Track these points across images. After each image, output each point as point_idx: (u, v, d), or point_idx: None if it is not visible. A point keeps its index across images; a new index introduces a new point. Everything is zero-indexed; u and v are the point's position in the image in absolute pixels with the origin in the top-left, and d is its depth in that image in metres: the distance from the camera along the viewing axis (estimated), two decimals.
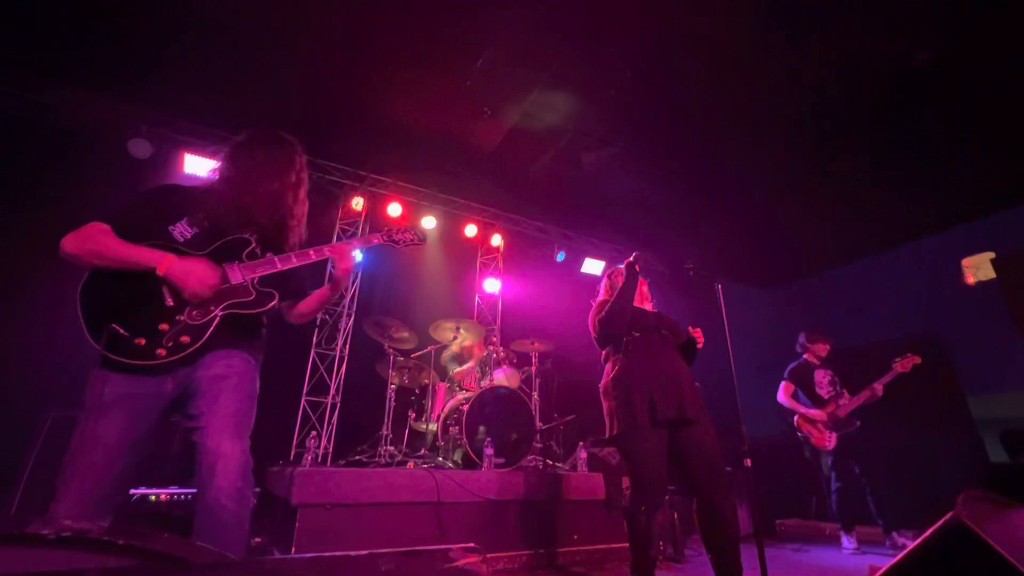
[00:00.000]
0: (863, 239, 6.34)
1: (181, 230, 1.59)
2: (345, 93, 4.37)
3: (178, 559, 0.39)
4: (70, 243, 1.45)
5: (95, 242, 1.46)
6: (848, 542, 3.86)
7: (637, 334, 2.46)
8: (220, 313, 1.55)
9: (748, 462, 2.10)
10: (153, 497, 2.90)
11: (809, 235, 6.33)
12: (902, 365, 3.98)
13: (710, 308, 2.54)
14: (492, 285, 6.27)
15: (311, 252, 1.72)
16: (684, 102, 4.32)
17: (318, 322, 5.09)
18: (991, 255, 5.24)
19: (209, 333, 1.52)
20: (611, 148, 4.88)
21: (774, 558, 3.53)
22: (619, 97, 4.23)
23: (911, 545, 0.79)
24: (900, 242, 6.24)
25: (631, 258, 2.54)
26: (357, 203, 5.42)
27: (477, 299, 6.26)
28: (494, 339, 4.67)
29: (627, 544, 2.26)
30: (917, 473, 4.80)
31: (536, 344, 4.51)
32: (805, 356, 4.32)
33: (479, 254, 6.42)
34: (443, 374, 4.58)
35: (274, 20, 3.68)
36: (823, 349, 4.28)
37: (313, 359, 4.97)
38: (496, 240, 6.22)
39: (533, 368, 4.53)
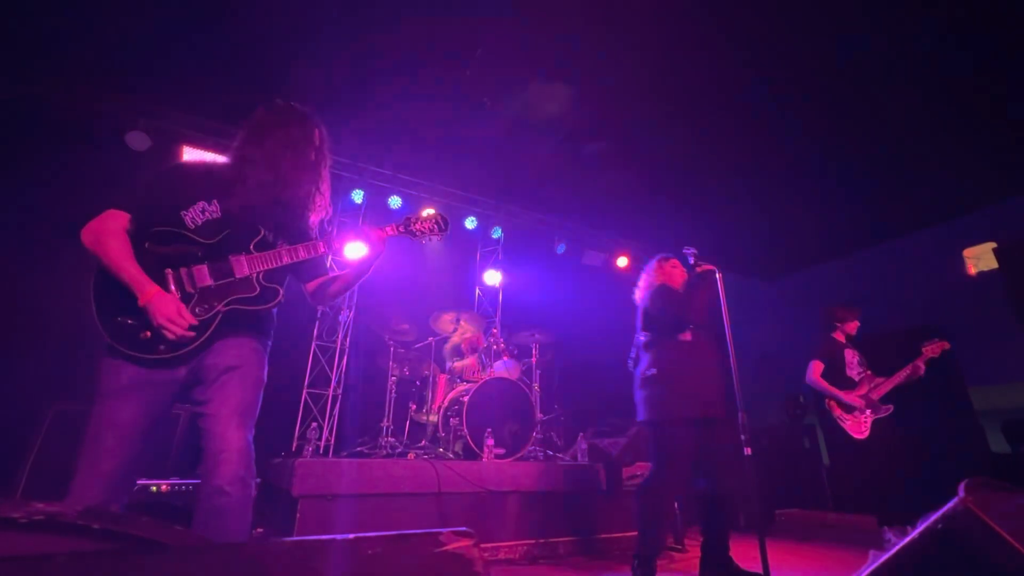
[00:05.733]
0: (863, 230, 6.30)
1: (193, 216, 1.57)
2: (344, 85, 4.33)
3: (156, 543, 0.38)
4: (86, 237, 1.47)
5: (102, 246, 1.46)
6: (892, 536, 3.42)
7: (691, 331, 2.57)
8: (223, 309, 1.55)
9: (748, 451, 2.09)
10: (154, 488, 2.90)
11: (809, 226, 6.30)
12: (931, 350, 3.65)
13: (700, 296, 2.54)
14: (492, 277, 6.24)
15: (320, 245, 1.68)
16: (685, 92, 4.28)
17: (319, 315, 5.08)
18: (992, 245, 5.20)
19: (212, 329, 1.52)
20: (611, 138, 4.84)
21: (775, 548, 3.54)
22: (619, 87, 4.19)
23: (916, 531, 0.78)
24: (901, 232, 6.20)
25: (710, 267, 2.56)
26: (357, 195, 5.39)
27: (477, 291, 6.24)
28: (494, 331, 4.66)
29: (628, 533, 2.28)
30: (918, 464, 4.79)
31: (537, 336, 4.50)
32: (833, 334, 3.91)
33: (479, 246, 6.40)
34: (444, 366, 4.57)
35: (272, 12, 3.64)
36: (853, 327, 3.89)
37: (314, 351, 4.97)
38: (496, 232, 6.19)
39: (534, 360, 4.53)
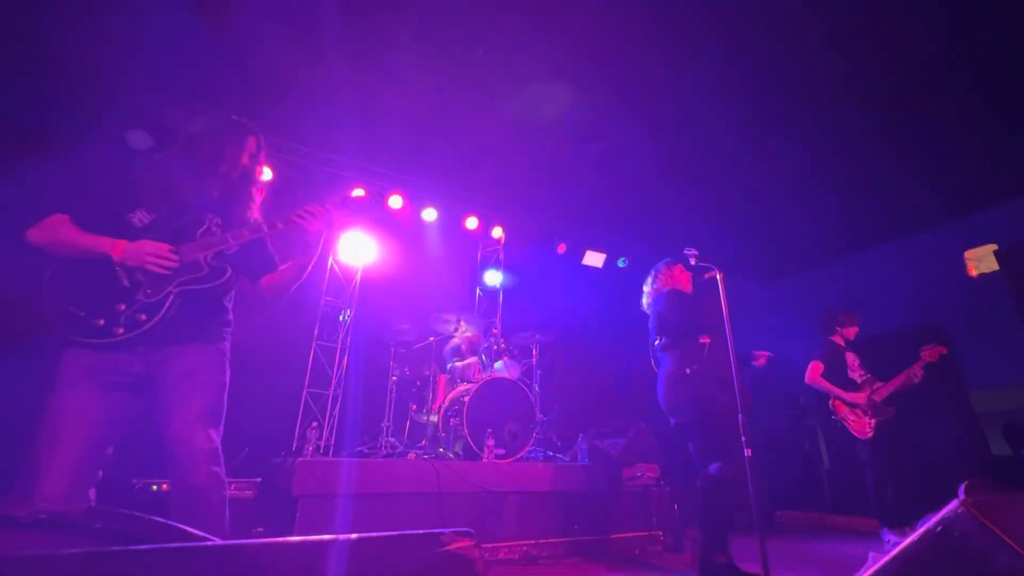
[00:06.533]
0: (864, 231, 6.30)
1: (140, 217, 1.65)
2: (344, 84, 4.33)
3: (158, 542, 0.38)
4: (34, 235, 1.57)
5: (55, 233, 1.55)
6: (892, 538, 3.45)
7: (709, 334, 2.57)
8: (175, 290, 1.59)
9: (748, 452, 2.09)
10: (155, 487, 2.91)
11: (810, 227, 6.29)
12: (928, 354, 3.69)
13: (710, 298, 2.53)
14: (493, 277, 6.24)
15: (263, 225, 1.75)
16: (684, 93, 4.28)
17: (319, 315, 5.08)
18: (994, 247, 5.19)
19: (165, 310, 1.56)
20: (613, 139, 4.84)
21: (774, 550, 3.53)
22: (619, 86, 4.19)
23: (915, 534, 0.78)
24: (901, 234, 6.19)
25: (720, 274, 2.53)
26: (358, 195, 5.39)
27: (478, 291, 6.24)
28: (495, 331, 4.66)
29: (627, 534, 2.27)
30: (918, 467, 4.78)
31: (537, 336, 4.50)
32: (833, 337, 3.96)
33: (480, 246, 6.40)
34: (444, 366, 4.58)
35: (272, 12, 3.64)
36: (852, 331, 3.97)
37: (315, 351, 4.96)
38: (497, 232, 6.19)
39: (534, 360, 4.53)
